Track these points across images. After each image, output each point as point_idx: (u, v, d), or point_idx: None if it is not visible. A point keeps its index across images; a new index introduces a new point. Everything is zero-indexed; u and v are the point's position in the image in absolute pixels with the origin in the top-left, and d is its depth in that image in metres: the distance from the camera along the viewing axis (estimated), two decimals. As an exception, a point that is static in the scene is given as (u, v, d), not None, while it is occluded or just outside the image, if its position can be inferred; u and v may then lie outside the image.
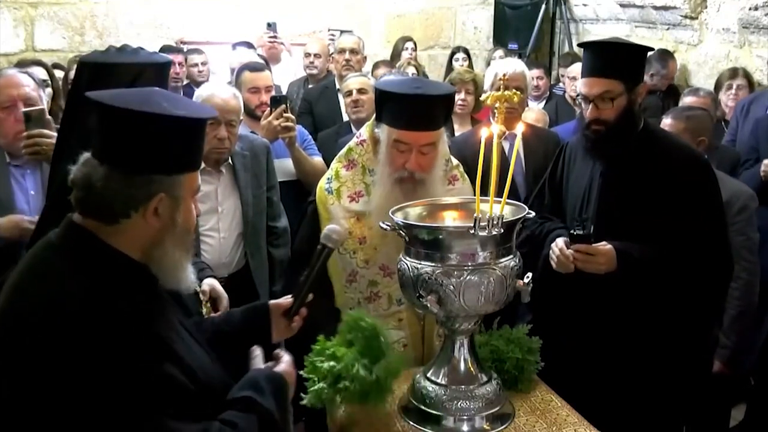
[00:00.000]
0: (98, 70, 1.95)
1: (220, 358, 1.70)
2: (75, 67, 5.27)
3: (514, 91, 2.85)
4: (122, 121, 1.43)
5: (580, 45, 2.77)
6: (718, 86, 4.73)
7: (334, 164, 2.51)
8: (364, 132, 2.49)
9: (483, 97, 2.72)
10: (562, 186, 2.78)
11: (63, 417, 1.33)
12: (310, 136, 4.06)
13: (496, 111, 2.77)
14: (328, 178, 2.48)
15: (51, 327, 1.35)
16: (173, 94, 1.55)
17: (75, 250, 1.45)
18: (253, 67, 4.01)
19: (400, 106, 2.27)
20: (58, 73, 4.36)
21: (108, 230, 1.46)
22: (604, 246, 2.42)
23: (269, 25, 6.07)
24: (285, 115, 3.62)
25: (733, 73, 4.69)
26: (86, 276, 1.42)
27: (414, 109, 2.26)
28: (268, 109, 3.68)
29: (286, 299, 1.97)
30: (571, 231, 2.47)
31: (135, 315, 1.41)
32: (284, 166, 3.73)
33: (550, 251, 2.51)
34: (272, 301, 1.98)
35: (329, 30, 6.80)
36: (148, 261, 1.51)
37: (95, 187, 1.43)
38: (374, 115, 2.42)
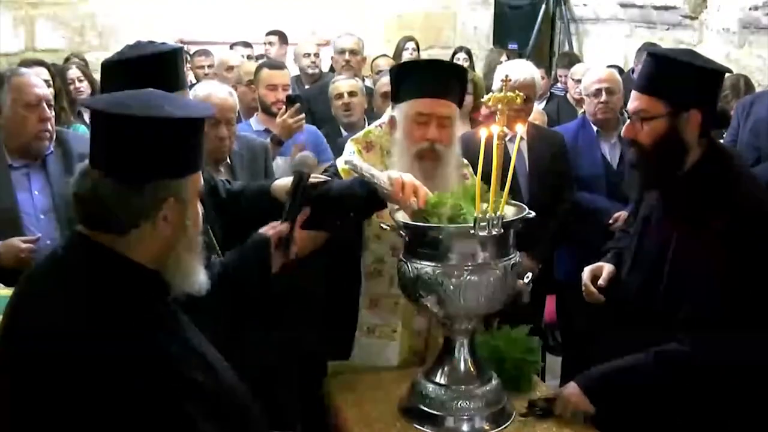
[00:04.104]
0: (118, 68, 2.06)
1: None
2: (70, 65, 5.25)
3: (517, 92, 2.83)
4: (127, 129, 1.36)
5: (648, 54, 2.25)
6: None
7: (351, 144, 2.50)
8: (384, 117, 2.53)
9: (485, 98, 2.72)
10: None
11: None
12: (324, 140, 3.97)
13: (498, 112, 2.75)
14: (351, 152, 2.46)
15: (67, 345, 1.29)
16: (169, 94, 1.49)
17: (87, 262, 1.40)
18: (271, 65, 3.99)
19: (420, 75, 2.36)
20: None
21: (119, 241, 1.41)
22: None
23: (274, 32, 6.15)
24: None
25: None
26: (102, 288, 1.37)
27: (433, 75, 2.36)
28: (284, 107, 3.68)
29: (282, 227, 2.01)
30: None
31: (160, 326, 1.38)
32: (293, 164, 3.73)
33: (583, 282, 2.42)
34: (271, 232, 2.00)
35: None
36: (160, 268, 1.45)
37: (104, 202, 1.37)
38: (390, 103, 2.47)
